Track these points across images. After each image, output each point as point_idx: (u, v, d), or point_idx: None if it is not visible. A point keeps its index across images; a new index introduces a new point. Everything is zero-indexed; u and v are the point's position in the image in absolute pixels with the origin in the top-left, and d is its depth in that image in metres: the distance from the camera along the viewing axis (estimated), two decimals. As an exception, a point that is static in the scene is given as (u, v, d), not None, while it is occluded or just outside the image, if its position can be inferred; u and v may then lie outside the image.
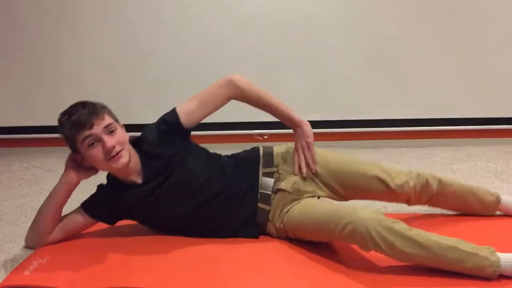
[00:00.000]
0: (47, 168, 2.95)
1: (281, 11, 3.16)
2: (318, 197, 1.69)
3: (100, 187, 1.70)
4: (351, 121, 3.23)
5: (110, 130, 1.53)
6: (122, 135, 1.57)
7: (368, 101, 3.25)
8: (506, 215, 1.84)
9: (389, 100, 3.25)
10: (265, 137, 3.18)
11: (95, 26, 3.23)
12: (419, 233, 1.39)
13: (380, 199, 1.76)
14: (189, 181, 1.63)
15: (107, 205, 1.66)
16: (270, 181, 1.69)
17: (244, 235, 1.67)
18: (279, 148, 1.79)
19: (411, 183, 1.69)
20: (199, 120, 1.67)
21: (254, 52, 3.20)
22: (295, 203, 1.64)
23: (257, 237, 1.68)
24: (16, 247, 1.80)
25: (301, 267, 1.51)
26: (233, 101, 1.69)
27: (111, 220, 1.71)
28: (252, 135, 3.18)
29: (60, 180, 1.64)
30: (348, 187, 1.71)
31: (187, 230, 1.69)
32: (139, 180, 1.62)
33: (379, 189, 1.68)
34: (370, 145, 3.22)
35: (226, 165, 1.71)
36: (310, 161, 1.70)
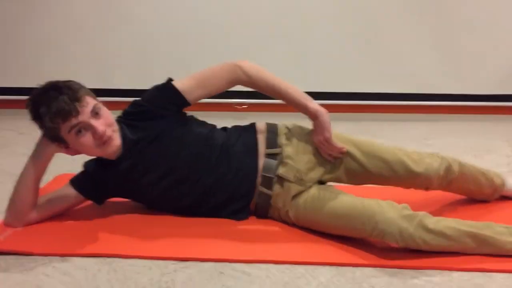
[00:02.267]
0: (19, 131, 2.88)
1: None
2: (323, 183, 1.62)
3: (87, 164, 1.64)
4: (330, 93, 3.24)
5: (95, 112, 1.47)
6: (108, 115, 1.51)
7: (347, 74, 3.24)
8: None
9: (368, 74, 3.25)
10: (243, 106, 3.16)
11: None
12: (447, 224, 1.39)
13: (397, 185, 1.64)
14: (175, 154, 1.57)
15: (94, 182, 1.61)
16: (273, 163, 1.58)
17: (231, 216, 1.62)
18: (284, 127, 1.67)
19: (435, 166, 1.58)
20: (194, 100, 1.59)
21: (241, 19, 3.15)
22: (300, 195, 1.57)
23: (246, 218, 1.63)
24: (-12, 210, 1.76)
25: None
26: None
27: (99, 198, 1.65)
28: (231, 104, 3.16)
29: (36, 149, 1.56)
30: (368, 170, 1.59)
31: (173, 205, 1.64)
32: (119, 155, 1.56)
33: (401, 173, 1.58)
34: (348, 117, 3.23)
35: (224, 139, 1.62)
36: (335, 155, 1.59)
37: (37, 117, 1.46)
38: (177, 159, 1.57)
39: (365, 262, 1.40)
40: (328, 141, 1.57)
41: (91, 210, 1.68)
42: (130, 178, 1.58)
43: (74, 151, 1.54)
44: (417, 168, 1.57)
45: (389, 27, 3.17)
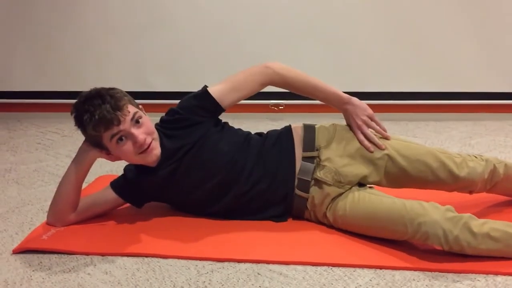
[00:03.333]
0: (63, 134, 2.97)
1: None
2: (362, 185, 1.58)
3: (126, 168, 1.66)
4: (369, 93, 3.18)
5: (136, 121, 1.49)
6: (149, 124, 1.53)
7: (385, 73, 3.18)
8: None
9: (407, 73, 3.18)
10: (280, 107, 3.15)
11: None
12: (494, 226, 1.34)
13: (439, 188, 1.60)
14: (213, 161, 1.57)
15: (133, 187, 1.63)
16: (310, 166, 1.56)
17: (270, 219, 1.62)
18: (322, 128, 1.64)
19: (479, 169, 1.54)
20: (230, 104, 1.60)
21: (270, 22, 3.14)
22: (339, 197, 1.54)
23: (285, 221, 1.62)
24: (33, 210, 1.83)
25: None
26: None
27: (138, 202, 1.67)
28: (267, 105, 3.15)
29: (78, 154, 1.60)
30: (409, 174, 1.56)
31: (210, 210, 1.64)
32: (158, 162, 1.57)
33: (443, 177, 1.54)
34: (387, 117, 3.14)
35: (260, 145, 1.62)
36: (382, 132, 1.58)
37: (80, 124, 1.49)
38: (215, 165, 1.58)
39: (405, 265, 1.36)
40: (372, 117, 1.60)
41: (130, 211, 1.71)
42: (168, 185, 1.60)
43: (115, 158, 1.57)
44: (461, 172, 1.53)
45: (429, 24, 3.09)
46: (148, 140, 1.49)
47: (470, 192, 1.60)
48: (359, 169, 1.57)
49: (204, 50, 3.20)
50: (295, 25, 3.14)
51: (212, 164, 1.58)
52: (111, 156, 1.56)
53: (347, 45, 3.15)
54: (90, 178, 2.08)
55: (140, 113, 1.52)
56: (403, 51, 3.14)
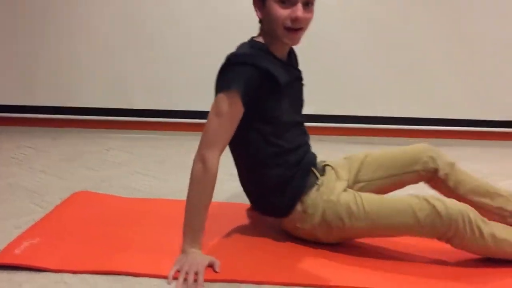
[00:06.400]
0: (37, 148, 2.92)
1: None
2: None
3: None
4: (358, 117, 3.23)
5: (307, 3, 1.42)
6: (311, 18, 1.45)
7: (369, 97, 3.25)
8: None
9: (390, 98, 3.25)
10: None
11: (95, 8, 3.19)
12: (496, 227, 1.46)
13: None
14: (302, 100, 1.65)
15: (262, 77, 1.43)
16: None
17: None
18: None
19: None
20: None
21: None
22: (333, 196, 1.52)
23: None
24: (7, 225, 1.79)
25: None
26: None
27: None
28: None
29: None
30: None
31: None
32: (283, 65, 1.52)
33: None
34: (371, 141, 3.22)
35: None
36: None
37: None
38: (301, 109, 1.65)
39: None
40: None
41: (105, 226, 1.69)
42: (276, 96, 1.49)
43: (261, 16, 1.48)
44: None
45: (416, 49, 3.17)
46: (302, 24, 1.42)
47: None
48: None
49: (186, 69, 3.21)
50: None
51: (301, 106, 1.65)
52: (260, 11, 1.47)
53: (339, 69, 3.19)
54: (66, 193, 2.06)
55: (314, 2, 1.45)
56: (392, 78, 3.21)
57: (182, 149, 2.94)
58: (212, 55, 3.22)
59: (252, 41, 1.52)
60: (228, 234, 1.69)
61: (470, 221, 1.40)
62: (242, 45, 1.53)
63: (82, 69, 3.25)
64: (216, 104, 1.42)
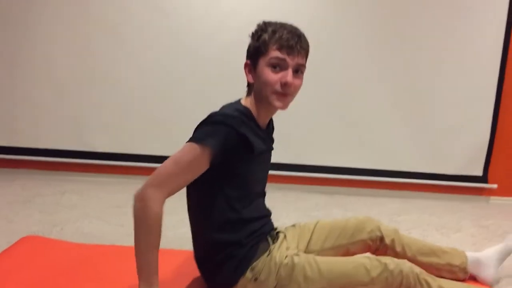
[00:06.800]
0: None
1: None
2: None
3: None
4: (306, 166, 3.30)
5: (297, 70, 1.45)
6: (300, 85, 1.48)
7: (321, 147, 3.33)
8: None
9: (343, 149, 3.34)
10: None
11: (51, 47, 3.18)
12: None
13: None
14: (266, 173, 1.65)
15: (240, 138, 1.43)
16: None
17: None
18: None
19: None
20: None
21: (211, 89, 3.24)
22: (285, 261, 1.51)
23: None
24: None
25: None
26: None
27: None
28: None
29: None
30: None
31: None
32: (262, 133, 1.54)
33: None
34: (321, 190, 3.28)
35: None
36: None
37: (261, 30, 1.44)
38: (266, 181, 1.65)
39: None
40: None
41: (52, 274, 1.64)
42: (248, 162, 1.49)
43: (252, 79, 1.49)
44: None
45: (366, 106, 3.29)
46: (291, 90, 1.44)
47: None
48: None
49: (144, 113, 3.23)
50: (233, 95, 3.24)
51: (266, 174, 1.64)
52: (251, 75, 1.49)
53: (290, 118, 3.26)
54: (14, 237, 2.00)
55: (304, 70, 1.48)
56: (341, 129, 3.31)
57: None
58: (172, 99, 3.35)
59: (238, 103, 1.53)
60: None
61: (418, 276, 1.47)
62: (227, 106, 1.53)
63: (38, 109, 3.22)
64: (182, 150, 1.38)
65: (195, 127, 1.43)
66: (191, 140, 1.37)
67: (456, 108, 3.27)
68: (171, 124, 3.21)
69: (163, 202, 1.33)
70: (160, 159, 3.32)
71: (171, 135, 3.21)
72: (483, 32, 3.17)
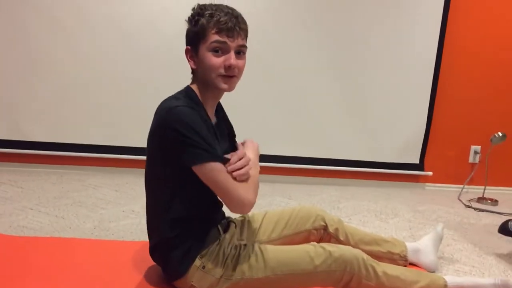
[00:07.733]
0: None
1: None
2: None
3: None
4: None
5: (239, 52, 1.45)
6: (244, 65, 1.48)
7: (264, 137, 3.35)
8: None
9: (285, 138, 3.38)
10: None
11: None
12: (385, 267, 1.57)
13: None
14: None
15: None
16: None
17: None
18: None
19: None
20: None
21: (156, 73, 3.19)
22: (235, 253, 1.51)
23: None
24: None
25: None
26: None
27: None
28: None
29: None
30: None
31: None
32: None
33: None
34: (264, 179, 3.32)
35: None
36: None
37: (197, 15, 1.43)
38: None
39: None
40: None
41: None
42: None
43: (194, 64, 1.48)
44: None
45: (309, 96, 3.34)
46: (235, 72, 1.44)
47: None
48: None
49: (87, 100, 3.13)
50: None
51: None
52: (193, 61, 1.48)
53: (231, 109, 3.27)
54: None
55: (245, 50, 1.48)
56: (283, 117, 3.35)
57: (79, 185, 2.83)
58: (109, 86, 3.25)
59: (188, 90, 1.51)
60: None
61: (364, 262, 1.51)
62: (180, 96, 1.49)
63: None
64: (214, 175, 1.40)
65: (178, 142, 1.38)
66: (202, 162, 1.38)
67: (395, 101, 3.41)
68: (108, 112, 3.13)
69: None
70: (98, 148, 3.26)
71: (111, 123, 3.13)
72: (420, 32, 3.34)
